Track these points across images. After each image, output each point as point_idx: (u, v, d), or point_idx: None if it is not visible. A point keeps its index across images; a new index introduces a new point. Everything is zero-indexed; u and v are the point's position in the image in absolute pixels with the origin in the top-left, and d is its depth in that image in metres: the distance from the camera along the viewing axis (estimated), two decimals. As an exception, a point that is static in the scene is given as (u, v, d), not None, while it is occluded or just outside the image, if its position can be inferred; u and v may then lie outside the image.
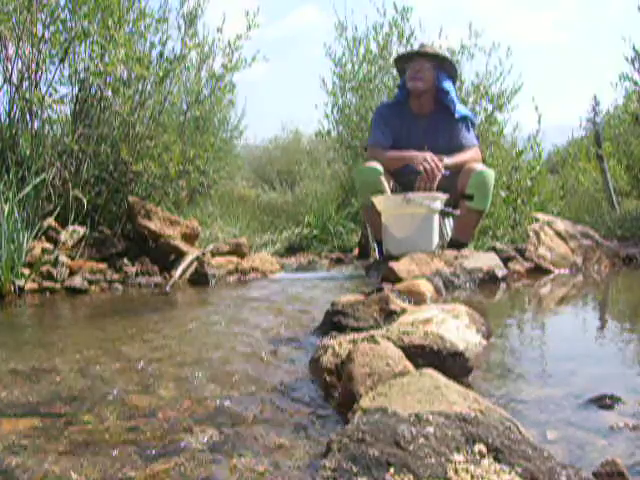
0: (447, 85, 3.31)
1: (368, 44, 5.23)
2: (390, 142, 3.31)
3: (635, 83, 4.98)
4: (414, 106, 3.36)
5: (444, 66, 3.34)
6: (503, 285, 2.58)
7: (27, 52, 3.12)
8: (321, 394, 1.19)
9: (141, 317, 2.17)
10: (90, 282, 2.83)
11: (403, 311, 1.64)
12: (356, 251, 4.20)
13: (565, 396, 1.13)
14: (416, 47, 3.44)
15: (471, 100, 4.95)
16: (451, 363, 1.21)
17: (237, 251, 3.49)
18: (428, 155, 3.05)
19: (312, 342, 1.57)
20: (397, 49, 5.17)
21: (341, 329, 1.56)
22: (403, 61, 3.43)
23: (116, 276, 2.96)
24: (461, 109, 3.34)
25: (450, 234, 3.33)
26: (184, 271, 3.06)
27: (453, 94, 3.32)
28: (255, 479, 0.84)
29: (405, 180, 3.21)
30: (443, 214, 3.10)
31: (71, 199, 3.20)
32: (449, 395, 0.93)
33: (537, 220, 3.24)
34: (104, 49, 3.20)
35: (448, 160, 3.10)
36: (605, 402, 1.06)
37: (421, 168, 3.03)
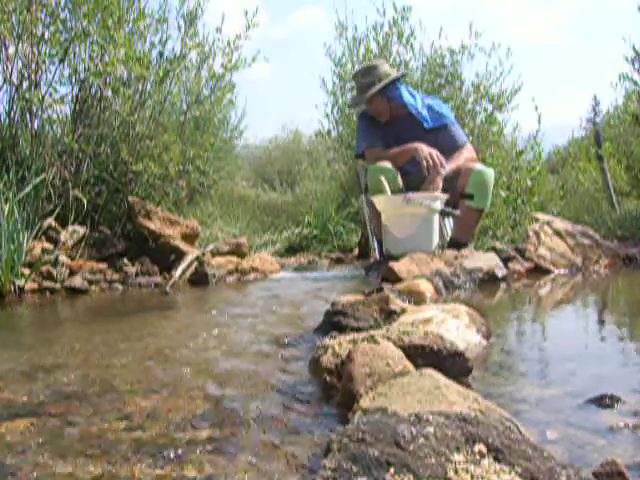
0: (406, 97, 3.30)
1: (368, 44, 5.23)
2: (382, 143, 3.33)
3: (635, 83, 4.97)
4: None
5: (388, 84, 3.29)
6: (503, 285, 2.58)
7: (27, 52, 3.12)
8: (321, 394, 1.19)
9: (141, 317, 2.17)
10: (90, 282, 2.84)
11: (403, 311, 1.64)
12: (356, 251, 4.20)
13: (565, 396, 1.13)
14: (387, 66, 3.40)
15: (471, 100, 4.96)
16: (451, 363, 1.21)
17: (237, 251, 3.49)
18: (434, 151, 3.06)
19: (312, 342, 1.57)
20: (397, 49, 5.18)
21: (341, 329, 1.56)
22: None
23: (116, 276, 2.96)
24: (429, 109, 3.33)
25: (450, 234, 3.33)
26: (184, 271, 3.06)
27: (410, 101, 3.30)
28: (255, 479, 0.84)
29: (409, 178, 3.21)
30: (443, 214, 3.10)
31: (71, 199, 3.20)
32: (449, 395, 0.93)
33: (537, 220, 3.24)
34: (104, 49, 3.20)
35: (447, 166, 3.11)
36: (605, 402, 1.06)
37: (424, 163, 3.03)
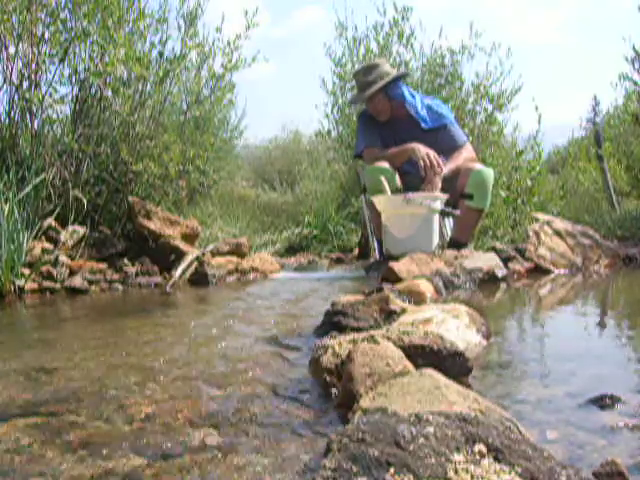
0: (407, 96, 3.30)
1: (368, 44, 5.23)
2: (381, 143, 3.33)
3: (635, 83, 4.97)
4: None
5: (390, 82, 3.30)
6: (503, 285, 2.58)
7: (27, 52, 3.12)
8: (321, 394, 1.19)
9: (141, 317, 2.17)
10: (90, 282, 2.84)
11: (403, 311, 1.64)
12: (356, 251, 4.19)
13: (565, 396, 1.13)
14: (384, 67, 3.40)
15: (471, 100, 4.96)
16: (451, 363, 1.21)
17: (237, 251, 3.49)
18: (431, 152, 3.06)
19: (312, 342, 1.57)
20: (397, 49, 5.18)
21: (341, 329, 1.56)
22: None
23: (116, 276, 2.96)
24: (428, 110, 3.33)
25: (450, 234, 3.33)
26: (184, 271, 3.06)
27: (410, 99, 3.30)
28: (255, 479, 0.84)
29: (409, 178, 3.21)
30: (443, 214, 3.10)
31: (71, 199, 3.20)
32: (449, 395, 0.93)
33: (537, 220, 3.24)
34: (104, 49, 3.20)
35: (446, 166, 3.11)
36: (605, 402, 1.06)
37: (421, 163, 3.03)
